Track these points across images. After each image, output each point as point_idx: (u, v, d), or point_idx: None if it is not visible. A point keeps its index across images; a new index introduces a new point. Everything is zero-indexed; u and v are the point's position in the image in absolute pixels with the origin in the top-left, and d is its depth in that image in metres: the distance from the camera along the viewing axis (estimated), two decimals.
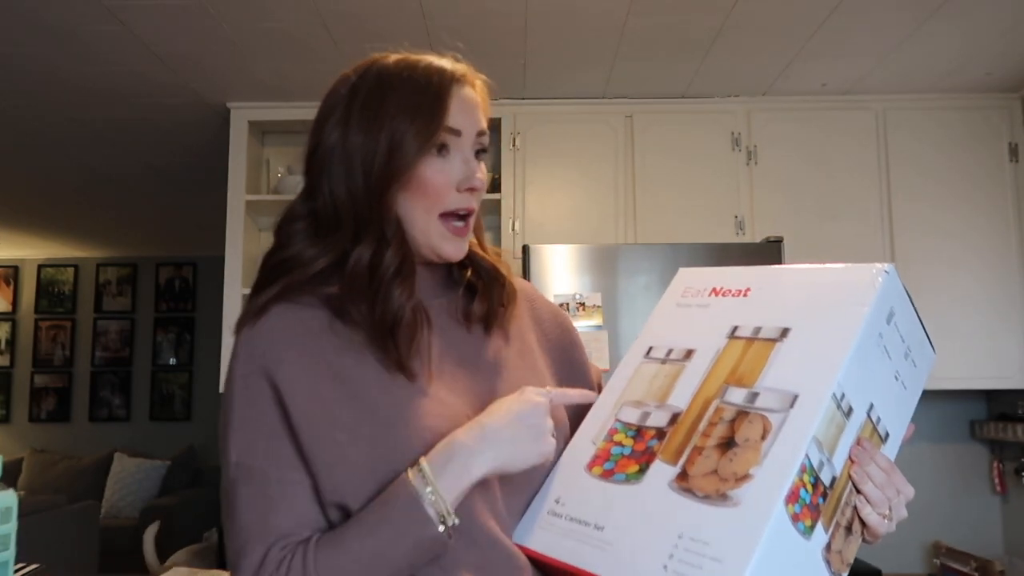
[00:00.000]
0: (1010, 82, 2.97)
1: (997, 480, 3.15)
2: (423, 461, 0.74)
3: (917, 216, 3.02)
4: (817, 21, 2.49)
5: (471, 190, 0.85)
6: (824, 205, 3.04)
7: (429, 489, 0.72)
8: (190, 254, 6.17)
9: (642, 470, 0.78)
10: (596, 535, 0.76)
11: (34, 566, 1.81)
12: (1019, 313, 2.96)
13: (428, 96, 0.83)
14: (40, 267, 6.29)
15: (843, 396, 0.74)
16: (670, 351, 0.88)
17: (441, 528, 0.72)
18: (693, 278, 0.94)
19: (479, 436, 0.76)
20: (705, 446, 0.75)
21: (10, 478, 5.26)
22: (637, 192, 3.07)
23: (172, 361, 6.15)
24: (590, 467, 0.83)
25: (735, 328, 0.84)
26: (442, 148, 0.84)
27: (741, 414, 0.76)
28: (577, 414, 0.91)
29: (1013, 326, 2.95)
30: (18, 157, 3.79)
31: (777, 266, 0.89)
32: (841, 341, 0.75)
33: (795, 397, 0.74)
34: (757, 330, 0.82)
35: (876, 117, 3.09)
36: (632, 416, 0.84)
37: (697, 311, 0.90)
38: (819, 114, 3.10)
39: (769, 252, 2.70)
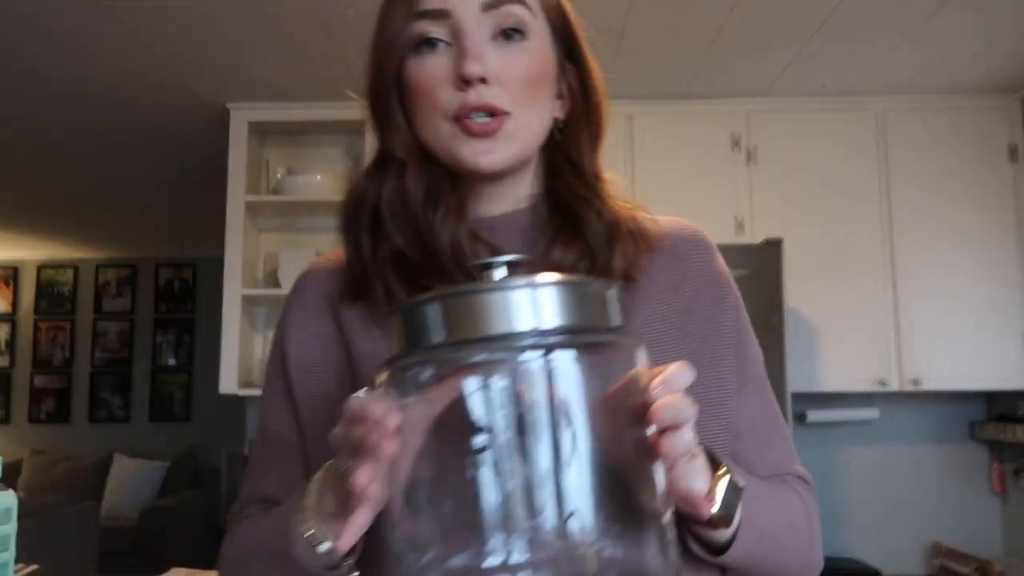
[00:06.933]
0: (1010, 83, 2.97)
1: (996, 481, 3.15)
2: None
3: (917, 216, 3.02)
4: (817, 21, 2.49)
5: (466, 82, 0.66)
6: (824, 205, 3.04)
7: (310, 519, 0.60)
8: (190, 255, 6.16)
9: None
10: None
11: (34, 567, 1.81)
12: (1019, 314, 2.96)
13: None
14: (40, 268, 6.29)
15: None
16: None
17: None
18: None
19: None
20: None
21: (10, 479, 5.25)
22: (637, 193, 3.05)
23: (172, 362, 6.14)
24: None
25: None
26: (426, 42, 0.68)
27: None
28: None
29: (1013, 327, 2.95)
30: (18, 158, 3.79)
31: None
32: None
33: None
34: None
35: (876, 118, 3.09)
36: None
37: None
38: (819, 114, 3.10)
39: (769, 252, 2.70)
